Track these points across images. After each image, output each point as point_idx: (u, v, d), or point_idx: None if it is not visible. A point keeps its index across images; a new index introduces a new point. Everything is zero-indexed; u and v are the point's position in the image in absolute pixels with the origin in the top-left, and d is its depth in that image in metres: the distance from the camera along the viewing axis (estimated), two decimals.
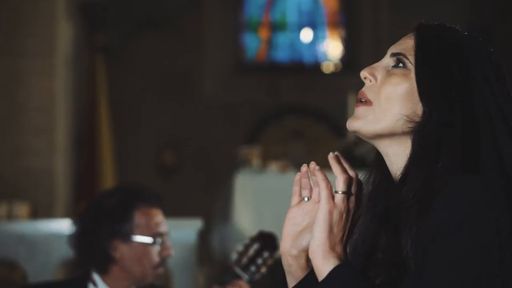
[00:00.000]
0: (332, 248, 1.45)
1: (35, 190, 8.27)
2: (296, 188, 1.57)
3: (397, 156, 1.52)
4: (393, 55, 1.56)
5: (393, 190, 1.51)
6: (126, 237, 2.74)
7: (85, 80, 9.64)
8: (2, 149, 8.32)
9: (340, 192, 1.48)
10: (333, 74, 11.38)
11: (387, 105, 1.51)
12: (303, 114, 11.45)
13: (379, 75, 1.55)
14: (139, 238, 2.74)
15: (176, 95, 11.11)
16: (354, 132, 1.56)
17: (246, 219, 6.23)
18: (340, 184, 1.49)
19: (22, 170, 8.32)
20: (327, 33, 11.58)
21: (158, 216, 2.80)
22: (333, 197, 1.49)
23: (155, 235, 2.76)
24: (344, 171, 1.51)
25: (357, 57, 11.27)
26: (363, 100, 1.55)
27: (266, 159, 7.91)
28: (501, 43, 9.08)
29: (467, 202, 1.37)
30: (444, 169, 1.43)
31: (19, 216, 7.73)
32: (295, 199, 1.57)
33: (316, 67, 11.51)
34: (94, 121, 9.39)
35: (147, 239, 2.75)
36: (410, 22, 1.60)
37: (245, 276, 2.75)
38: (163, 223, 2.81)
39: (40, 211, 8.08)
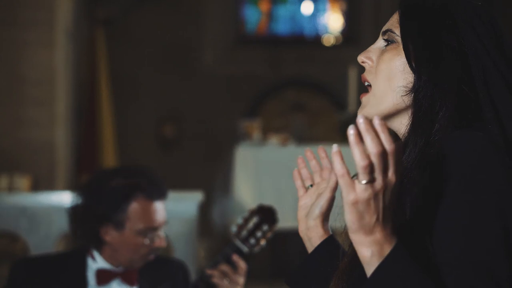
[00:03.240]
0: (367, 233, 1.28)
1: (35, 162, 8.29)
2: (298, 183, 1.65)
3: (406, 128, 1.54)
4: (382, 33, 1.58)
5: None
6: (118, 225, 2.72)
7: (85, 52, 9.62)
8: (2, 121, 8.32)
9: (362, 182, 1.26)
10: (333, 47, 11.36)
11: (385, 83, 1.53)
12: (304, 87, 11.44)
13: (374, 57, 1.57)
14: (131, 229, 2.72)
15: (176, 68, 11.10)
16: None
17: (246, 192, 6.25)
18: (360, 173, 1.25)
19: (22, 142, 8.33)
20: (328, 5, 11.54)
21: (155, 210, 2.75)
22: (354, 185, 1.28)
23: (147, 228, 2.72)
24: (365, 155, 1.24)
25: (357, 30, 11.25)
26: (366, 83, 1.57)
27: (267, 131, 7.92)
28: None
29: (467, 154, 1.38)
30: (442, 130, 1.45)
31: (20, 189, 7.76)
32: (300, 192, 1.65)
33: (316, 39, 11.49)
34: (94, 93, 9.39)
35: (138, 232, 2.72)
36: None
37: (245, 249, 2.77)
38: (160, 216, 2.75)
39: (41, 184, 8.10)
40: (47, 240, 4.40)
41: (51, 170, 8.39)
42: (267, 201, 2.81)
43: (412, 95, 1.50)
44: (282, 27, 11.59)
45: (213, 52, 11.23)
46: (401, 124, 1.54)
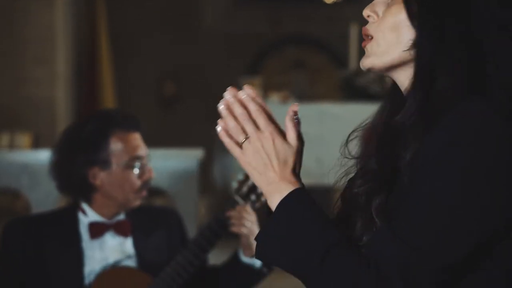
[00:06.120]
0: (263, 177, 1.48)
1: (36, 120, 8.32)
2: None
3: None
4: None
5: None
6: (104, 165, 2.73)
7: (85, 11, 9.59)
8: (3, 80, 8.34)
9: (241, 141, 1.50)
10: (334, 4, 11.30)
11: (391, 34, 1.51)
12: (304, 44, 11.41)
13: (380, 10, 1.55)
14: (117, 164, 2.74)
15: (176, 26, 11.06)
16: (369, 69, 1.58)
17: None
18: (237, 135, 1.51)
19: (23, 100, 8.35)
20: None
21: (135, 140, 2.78)
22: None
23: (133, 159, 2.75)
24: (234, 120, 1.51)
25: None
26: (368, 36, 1.55)
27: (267, 89, 7.92)
28: None
29: (471, 127, 1.37)
30: (444, 89, 1.44)
31: (21, 146, 7.79)
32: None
33: None
34: (94, 52, 9.38)
35: (125, 165, 2.74)
36: None
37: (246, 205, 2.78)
38: (141, 146, 2.78)
39: (42, 141, 8.13)
40: (48, 197, 4.43)
41: (52, 127, 8.42)
42: None
43: (415, 49, 1.49)
44: None
45: (214, 10, 11.18)
46: (407, 78, 1.52)
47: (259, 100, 1.49)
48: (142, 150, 2.79)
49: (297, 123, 1.49)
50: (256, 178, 1.49)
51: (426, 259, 1.34)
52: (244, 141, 1.48)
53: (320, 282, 1.38)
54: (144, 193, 2.81)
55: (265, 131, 1.47)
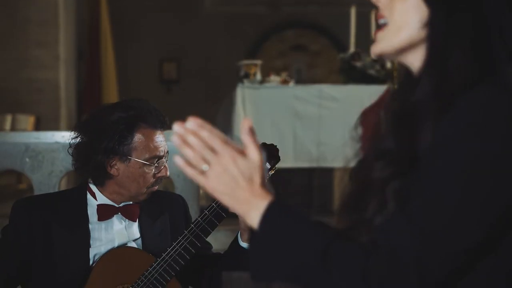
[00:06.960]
0: (236, 202, 1.46)
1: (38, 102, 8.35)
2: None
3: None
4: None
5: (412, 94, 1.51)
6: (123, 157, 2.74)
7: None
8: (5, 61, 8.36)
9: (204, 169, 1.46)
10: None
11: (401, 20, 1.52)
12: (304, 27, 11.42)
13: None
14: (137, 160, 2.75)
15: (177, 8, 11.07)
16: (379, 55, 1.58)
17: None
18: (198, 164, 1.47)
19: (25, 83, 8.38)
20: None
21: (158, 138, 2.78)
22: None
23: (153, 157, 2.76)
24: (191, 149, 1.46)
25: None
26: (381, 21, 1.56)
27: (267, 72, 7.94)
28: None
29: (485, 112, 1.37)
30: (458, 68, 1.44)
31: (24, 128, 7.82)
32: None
33: None
34: (96, 34, 9.40)
35: (144, 161, 2.75)
36: None
37: None
38: (163, 145, 2.79)
39: (44, 123, 8.17)
40: (50, 178, 4.46)
41: (54, 110, 8.45)
42: (268, 141, 2.80)
43: (427, 30, 1.49)
44: None
45: None
46: (416, 60, 1.53)
47: (208, 126, 1.46)
48: (163, 149, 2.79)
49: (253, 135, 1.47)
50: (227, 202, 1.46)
51: (439, 244, 1.34)
52: (206, 169, 1.45)
53: (326, 278, 1.37)
54: (155, 188, 2.83)
55: (224, 154, 1.45)
